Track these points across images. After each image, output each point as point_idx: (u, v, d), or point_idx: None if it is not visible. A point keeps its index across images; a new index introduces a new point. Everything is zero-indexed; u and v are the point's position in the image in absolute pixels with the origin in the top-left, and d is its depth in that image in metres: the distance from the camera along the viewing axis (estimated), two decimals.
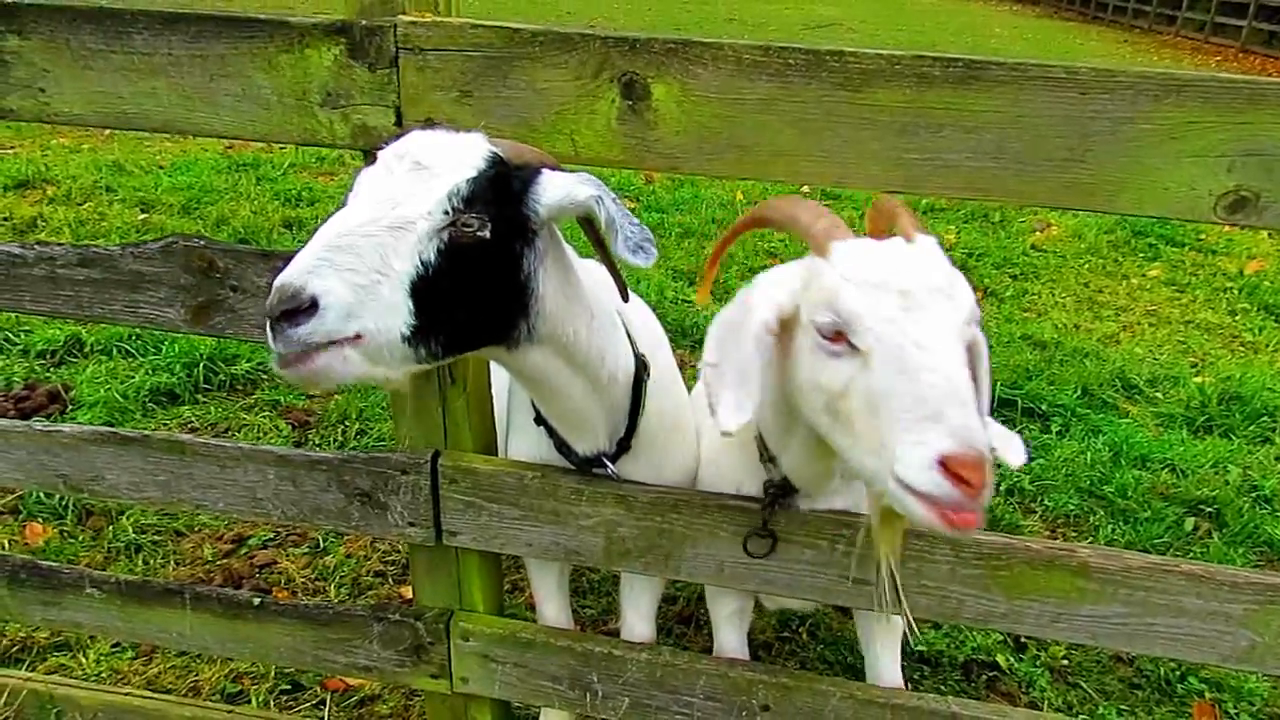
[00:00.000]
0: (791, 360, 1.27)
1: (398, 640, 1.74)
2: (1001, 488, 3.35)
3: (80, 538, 2.80)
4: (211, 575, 2.71)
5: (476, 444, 1.63)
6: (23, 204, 5.41)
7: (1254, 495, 3.34)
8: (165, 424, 3.38)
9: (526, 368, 1.35)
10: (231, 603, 1.79)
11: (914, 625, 1.45)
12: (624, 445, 1.54)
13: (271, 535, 2.89)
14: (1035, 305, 5.16)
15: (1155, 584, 1.41)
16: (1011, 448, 1.41)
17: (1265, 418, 3.85)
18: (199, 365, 3.64)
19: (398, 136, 1.19)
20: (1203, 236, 6.36)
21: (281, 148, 7.06)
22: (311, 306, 1.02)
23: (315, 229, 1.11)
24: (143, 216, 5.38)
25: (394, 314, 1.09)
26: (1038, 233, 6.28)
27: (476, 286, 1.17)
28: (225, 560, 2.78)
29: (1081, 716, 2.40)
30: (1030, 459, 3.51)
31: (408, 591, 2.64)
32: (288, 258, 1.43)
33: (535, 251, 1.23)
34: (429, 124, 1.33)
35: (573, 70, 1.28)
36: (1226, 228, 6.58)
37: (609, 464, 1.51)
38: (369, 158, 1.26)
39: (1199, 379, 4.23)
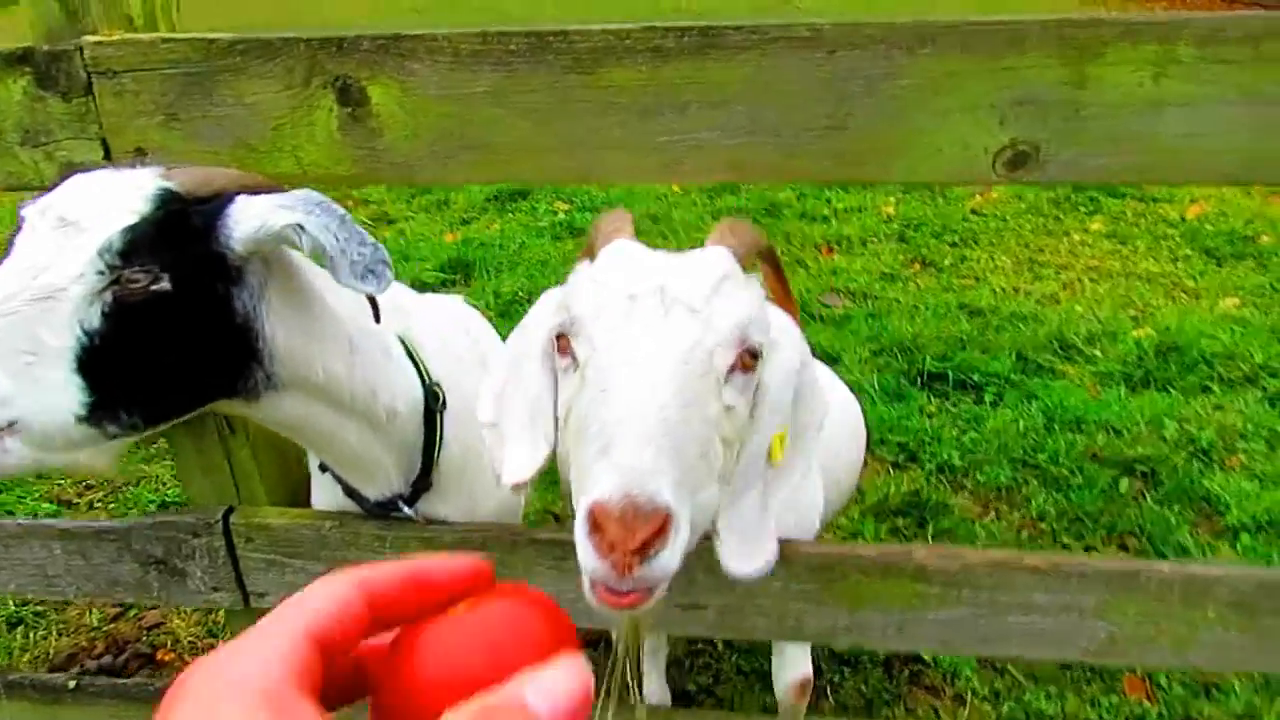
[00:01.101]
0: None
1: None
2: (930, 465, 3.23)
3: None
4: (95, 643, 2.57)
5: (275, 495, 1.49)
6: None
7: (1191, 448, 3.23)
8: (59, 483, 3.23)
9: (280, 417, 1.21)
10: (47, 689, 1.65)
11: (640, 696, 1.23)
12: (422, 484, 1.40)
13: None
14: (975, 271, 5.05)
15: (1000, 581, 1.29)
16: (743, 552, 1.05)
17: (1203, 366, 3.74)
18: None
19: (55, 185, 1.05)
20: (1143, 185, 6.26)
21: None
22: None
23: None
24: None
25: (58, 394, 0.95)
26: (978, 196, 6.17)
27: (172, 343, 1.03)
28: (112, 625, 2.64)
29: (1008, 704, 2.28)
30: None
31: None
32: None
33: (248, 290, 1.09)
34: (139, 155, 1.20)
35: (281, 79, 1.14)
36: None
37: (405, 507, 1.37)
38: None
39: (1138, 332, 4.12)
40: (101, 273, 0.96)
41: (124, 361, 0.98)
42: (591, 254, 1.09)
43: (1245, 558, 2.71)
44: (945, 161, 1.07)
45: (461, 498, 1.46)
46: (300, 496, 1.57)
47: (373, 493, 1.38)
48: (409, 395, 1.34)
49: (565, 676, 0.41)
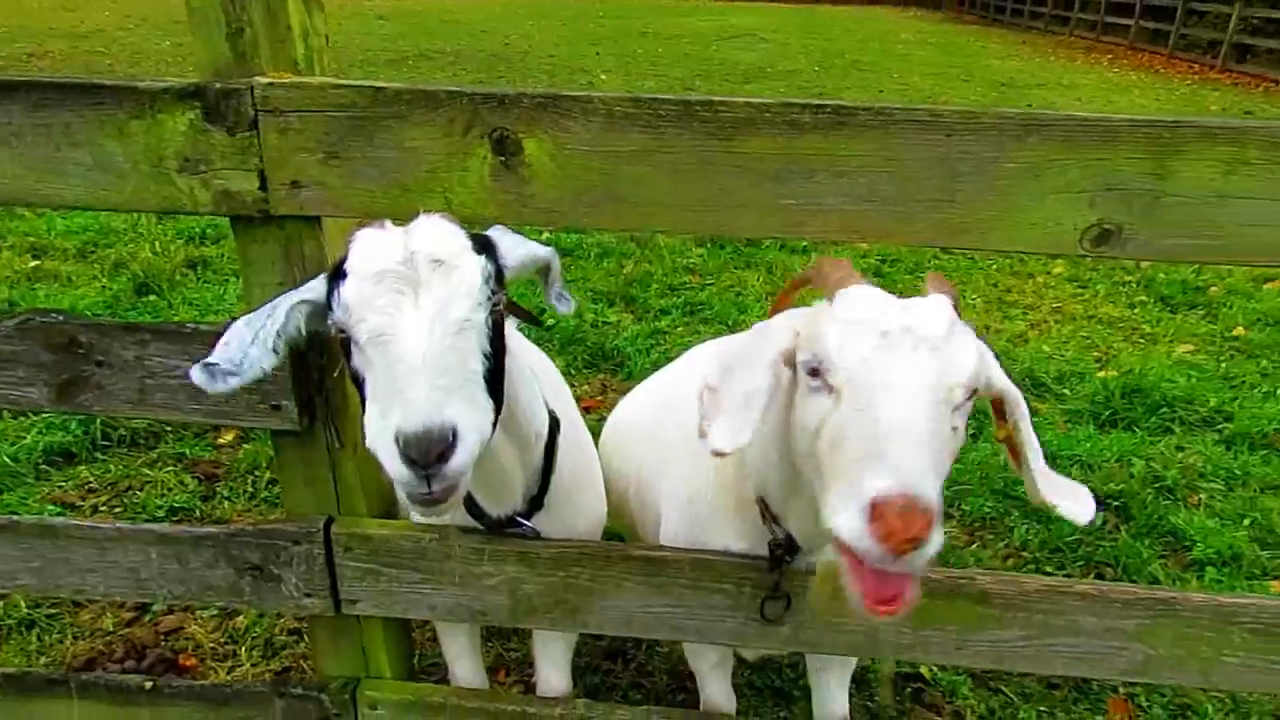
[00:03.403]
0: (790, 403, 1.26)
1: (302, 715, 1.67)
2: None
3: None
4: (113, 647, 2.57)
5: (373, 507, 1.57)
6: None
7: (1157, 486, 3.46)
8: (60, 486, 3.22)
9: None
10: (121, 689, 1.69)
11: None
12: (537, 503, 1.51)
13: None
14: None
15: (1053, 606, 1.44)
16: (1079, 499, 1.29)
17: (1165, 409, 4.00)
18: (96, 420, 3.47)
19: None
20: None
21: None
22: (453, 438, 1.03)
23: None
24: (34, 263, 5.14)
25: (486, 415, 1.12)
26: None
27: (501, 356, 1.19)
28: (128, 630, 2.65)
29: None
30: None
31: None
32: (153, 330, 1.36)
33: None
34: (294, 187, 1.29)
35: (441, 128, 1.24)
36: None
37: (524, 522, 1.48)
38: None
39: (1103, 373, 4.38)
40: (489, 298, 1.12)
41: (495, 375, 1.15)
42: (830, 297, 1.24)
43: (1211, 589, 2.93)
44: (1038, 235, 1.23)
45: (564, 517, 1.57)
46: (394, 511, 1.65)
47: (497, 510, 1.48)
48: (543, 420, 1.46)
49: None
